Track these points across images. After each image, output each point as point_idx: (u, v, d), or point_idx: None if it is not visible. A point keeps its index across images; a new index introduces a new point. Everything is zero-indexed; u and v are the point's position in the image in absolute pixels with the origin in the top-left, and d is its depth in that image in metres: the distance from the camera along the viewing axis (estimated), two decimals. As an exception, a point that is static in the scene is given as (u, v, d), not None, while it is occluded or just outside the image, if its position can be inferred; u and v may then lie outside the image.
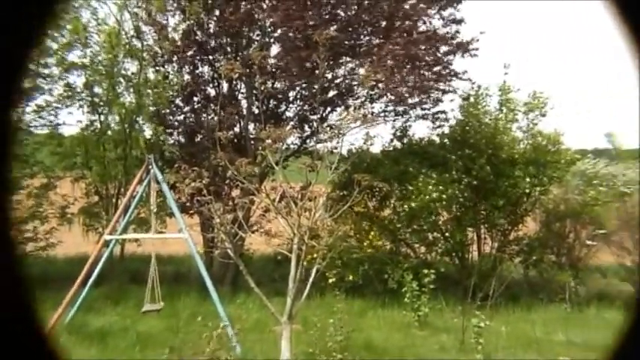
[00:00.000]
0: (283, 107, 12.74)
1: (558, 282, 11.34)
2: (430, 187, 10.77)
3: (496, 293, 8.91)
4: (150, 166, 8.32)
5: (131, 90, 11.36)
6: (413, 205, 10.90)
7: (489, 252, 12.23)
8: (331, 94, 12.20)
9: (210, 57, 12.33)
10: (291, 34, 11.16)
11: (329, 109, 12.58)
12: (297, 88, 12.30)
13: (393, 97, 11.64)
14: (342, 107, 12.15)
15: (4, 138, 1.75)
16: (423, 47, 11.03)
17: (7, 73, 1.68)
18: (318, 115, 12.08)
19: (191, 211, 11.21)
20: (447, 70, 11.95)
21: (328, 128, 10.05)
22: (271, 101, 12.42)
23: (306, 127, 12.86)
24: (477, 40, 11.81)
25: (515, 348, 8.11)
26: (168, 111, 12.20)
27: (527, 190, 11.76)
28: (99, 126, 11.66)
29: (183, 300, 9.76)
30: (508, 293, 10.07)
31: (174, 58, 12.13)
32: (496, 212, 11.77)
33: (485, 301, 8.48)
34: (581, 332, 8.81)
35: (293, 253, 6.19)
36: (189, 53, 12.03)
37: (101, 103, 11.54)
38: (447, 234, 12.15)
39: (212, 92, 12.66)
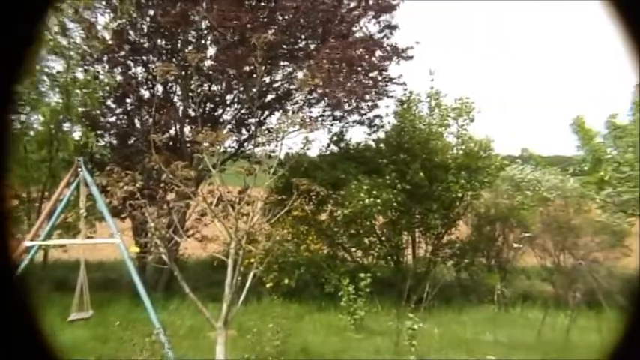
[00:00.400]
0: (220, 110, 12.56)
1: (487, 284, 11.76)
2: (366, 191, 10.92)
3: (430, 296, 9.12)
4: (79, 169, 7.97)
5: (57, 89, 10.82)
6: (349, 209, 11.02)
7: (424, 255, 12.53)
8: (269, 97, 12.15)
9: (144, 58, 11.98)
10: (228, 37, 11.04)
11: (267, 112, 12.51)
12: (235, 92, 12.16)
13: (330, 102, 11.72)
14: (281, 111, 12.10)
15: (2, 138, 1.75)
16: (360, 52, 11.18)
17: (4, 74, 1.69)
18: (256, 119, 12.00)
19: (123, 216, 10.81)
20: (383, 76, 12.15)
21: (266, 132, 10.01)
22: (208, 104, 12.20)
23: (244, 131, 12.78)
24: (412, 48, 12.10)
25: (447, 349, 8.35)
26: (99, 112, 11.72)
27: (460, 195, 12.16)
28: (19, 126, 11.03)
29: (114, 307, 9.40)
30: (441, 295, 10.35)
31: (105, 58, 11.67)
32: (430, 216, 12.05)
33: (419, 303, 8.67)
34: (508, 331, 9.21)
35: (230, 258, 6.10)
36: (122, 53, 11.62)
37: (21, 102, 10.92)
38: (383, 238, 12.37)
39: (146, 94, 12.30)
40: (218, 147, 6.77)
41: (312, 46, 11.54)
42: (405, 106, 12.51)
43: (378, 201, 10.98)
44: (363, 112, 12.62)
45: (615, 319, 8.73)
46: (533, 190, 12.71)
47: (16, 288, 1.76)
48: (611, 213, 10.98)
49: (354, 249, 12.41)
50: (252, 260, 6.77)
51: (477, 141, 12.45)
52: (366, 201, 10.83)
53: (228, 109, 12.61)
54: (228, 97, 12.39)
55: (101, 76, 11.53)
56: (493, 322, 9.98)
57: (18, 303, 1.73)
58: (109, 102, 11.96)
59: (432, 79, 12.67)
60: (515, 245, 12.72)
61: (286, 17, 11.27)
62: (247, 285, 6.31)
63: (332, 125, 12.83)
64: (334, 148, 12.73)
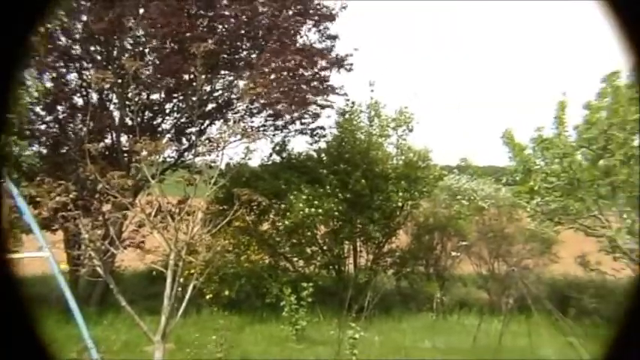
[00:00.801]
0: (159, 119, 12.28)
1: (426, 292, 12.03)
2: (307, 201, 10.96)
3: (370, 305, 9.23)
4: (1, 179, 7.57)
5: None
6: (292, 219, 11.03)
7: (365, 264, 12.65)
8: (210, 107, 11.95)
9: (77, 64, 11.53)
10: (167, 45, 10.83)
11: (207, 122, 12.31)
12: (175, 100, 11.91)
13: (272, 112, 11.70)
14: (222, 121, 11.96)
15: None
16: (301, 61, 11.23)
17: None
18: (197, 128, 11.77)
19: (54, 228, 10.33)
20: (325, 85, 12.24)
21: (207, 141, 9.83)
22: (146, 113, 11.90)
23: (184, 140, 12.49)
24: (351, 55, 12.25)
25: (387, 356, 8.46)
26: (26, 119, 11.14)
27: (400, 204, 12.36)
28: None
29: (41, 324, 8.94)
30: (382, 304, 10.48)
31: (32, 63, 11.12)
32: (371, 225, 12.16)
33: (360, 312, 8.77)
34: (445, 338, 9.49)
35: (169, 269, 5.96)
36: (50, 59, 11.10)
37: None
38: (324, 247, 12.40)
39: (80, 101, 11.81)
40: (157, 156, 6.64)
41: (253, 56, 11.47)
42: (347, 116, 12.64)
43: (320, 210, 11.04)
44: (304, 122, 12.67)
45: (543, 323, 9.17)
46: (470, 199, 13.13)
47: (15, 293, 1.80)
48: (540, 221, 11.45)
49: (295, 259, 12.38)
50: (193, 271, 6.65)
51: (416, 151, 12.69)
52: (308, 210, 10.87)
53: (167, 117, 12.33)
54: (168, 105, 12.13)
55: (28, 82, 10.99)
56: (431, 329, 10.27)
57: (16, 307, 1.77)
58: (37, 109, 11.40)
59: (372, 90, 12.82)
60: (453, 254, 13.10)
61: (226, 26, 11.17)
62: (187, 297, 6.18)
63: (274, 135, 12.81)
64: (276, 158, 12.70)
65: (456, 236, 12.94)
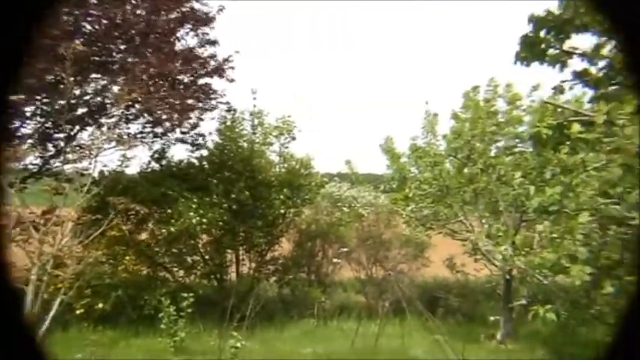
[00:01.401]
0: (18, 123, 11.26)
1: (308, 298, 12.24)
2: (190, 209, 10.76)
3: (252, 313, 9.24)
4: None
5: None
6: (173, 229, 10.76)
7: (247, 272, 12.61)
8: (80, 111, 11.24)
9: None
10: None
11: (78, 127, 11.54)
12: (38, 103, 11.02)
13: (150, 118, 11.30)
14: (95, 126, 11.30)
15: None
16: (180, 67, 10.98)
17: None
18: (65, 134, 11.04)
19: None
20: (206, 92, 12.07)
21: (78, 148, 9.28)
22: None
23: (50, 147, 11.54)
24: (232, 60, 12.18)
25: (267, 364, 8.52)
26: None
27: (283, 212, 12.49)
28: None
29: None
30: (264, 312, 10.51)
31: None
32: (254, 234, 12.18)
33: (242, 321, 8.75)
34: (325, 344, 9.69)
35: (30, 285, 5.58)
36: None
37: None
38: (206, 256, 12.18)
39: None
40: (17, 163, 6.21)
41: (128, 59, 11.00)
42: (229, 123, 12.56)
43: (204, 220, 10.88)
44: (185, 129, 12.38)
45: (415, 324, 9.74)
46: (350, 206, 13.59)
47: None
48: (414, 227, 12.16)
49: (176, 269, 12.05)
50: (60, 286, 6.28)
51: (299, 159, 12.90)
52: (193, 220, 10.68)
53: (28, 122, 11.37)
54: (29, 109, 11.17)
55: None
56: (312, 335, 10.46)
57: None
58: None
59: (255, 98, 12.75)
60: (334, 260, 13.46)
61: (96, 27, 10.60)
62: (52, 313, 5.83)
63: (153, 142, 12.34)
64: (155, 166, 12.27)
65: (337, 243, 13.29)
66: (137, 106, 10.37)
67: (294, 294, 12.88)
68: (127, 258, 10.61)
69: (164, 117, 11.08)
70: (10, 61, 1.74)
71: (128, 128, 11.65)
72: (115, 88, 10.60)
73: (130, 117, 11.48)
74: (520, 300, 9.71)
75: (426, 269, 13.14)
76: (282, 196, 12.08)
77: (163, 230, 11.06)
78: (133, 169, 11.78)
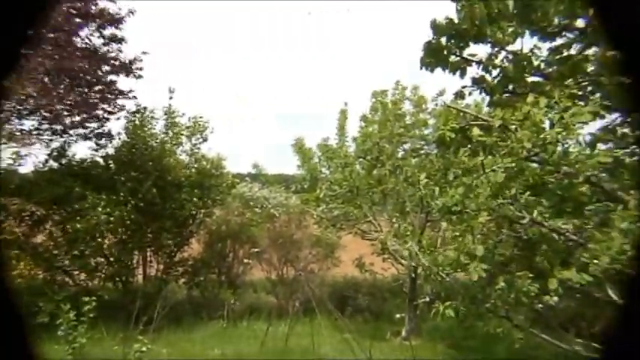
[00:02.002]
0: None
1: (219, 300, 12.07)
2: (99, 207, 10.33)
3: (160, 316, 8.96)
4: None
5: None
6: (79, 225, 10.25)
7: (155, 274, 12.24)
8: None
9: None
10: None
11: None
12: None
13: (47, 115, 10.64)
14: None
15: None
16: (82, 64, 10.48)
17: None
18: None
19: None
20: (111, 90, 11.61)
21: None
22: None
23: None
24: (141, 60, 11.82)
25: (174, 368, 8.30)
26: None
27: (193, 212, 12.25)
28: None
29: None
30: (172, 315, 10.24)
31: None
32: (163, 234, 11.87)
33: (149, 324, 8.46)
34: (235, 345, 9.61)
35: None
36: None
37: None
38: (111, 258, 11.68)
39: None
40: None
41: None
42: (137, 122, 12.13)
43: (112, 218, 10.44)
44: (88, 127, 11.81)
45: (325, 323, 9.87)
46: (262, 207, 13.54)
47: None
48: (325, 227, 12.32)
49: (77, 272, 11.43)
50: None
51: (210, 159, 12.71)
52: (101, 217, 10.23)
53: None
54: None
55: None
56: (222, 337, 10.32)
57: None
58: None
59: (171, 97, 12.50)
60: (245, 260, 13.36)
61: None
62: None
63: (51, 140, 11.64)
64: (54, 164, 11.58)
65: (248, 243, 13.21)
66: (31, 101, 9.74)
67: (203, 295, 12.67)
68: (22, 263, 9.93)
69: (64, 114, 10.51)
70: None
71: (21, 124, 10.92)
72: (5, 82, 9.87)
73: (24, 112, 10.75)
74: (424, 297, 10.11)
75: (336, 269, 13.34)
76: (192, 197, 11.85)
77: (65, 231, 10.50)
78: (27, 168, 11.08)
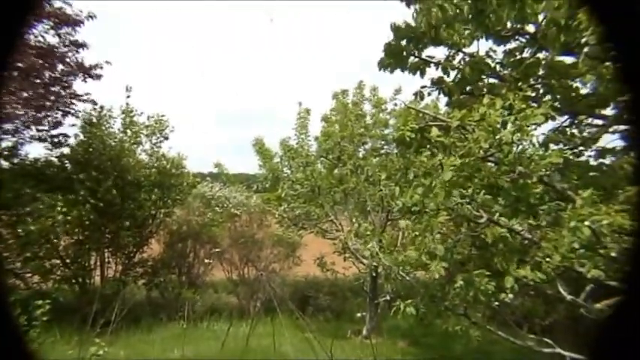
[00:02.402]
0: None
1: (179, 300, 11.91)
2: (55, 208, 10.06)
3: (118, 318, 8.78)
4: None
5: None
6: (33, 227, 9.94)
7: (114, 276, 11.98)
8: None
9: None
10: None
11: None
12: None
13: (-2, 113, 10.28)
14: None
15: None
16: (35, 60, 10.18)
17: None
18: None
19: None
20: (67, 91, 11.33)
21: None
22: None
23: None
24: (102, 67, 11.62)
25: (132, 370, 8.17)
26: None
27: (153, 212, 12.05)
28: None
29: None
30: (130, 316, 10.02)
31: None
32: (121, 234, 11.65)
33: (106, 327, 8.28)
34: (194, 346, 9.51)
35: None
36: None
37: None
38: (67, 260, 11.38)
39: None
40: None
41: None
42: (95, 121, 11.84)
43: (69, 217, 10.18)
44: (43, 127, 11.47)
45: (286, 323, 9.86)
46: (223, 206, 13.43)
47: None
48: (286, 227, 12.30)
49: (29, 275, 11.08)
50: None
51: (170, 158, 12.52)
52: (58, 217, 9.94)
53: None
54: None
55: None
56: (181, 338, 10.16)
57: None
58: None
59: (129, 96, 12.25)
60: (206, 261, 13.24)
61: None
62: None
63: (1, 139, 11.24)
64: (4, 164, 11.20)
65: (209, 243, 13.11)
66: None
67: (163, 296, 12.50)
68: (-32, 267, 9.54)
69: (17, 113, 10.18)
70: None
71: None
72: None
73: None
74: (385, 296, 10.21)
75: (297, 268, 13.36)
76: (152, 196, 11.67)
77: (17, 232, 10.16)
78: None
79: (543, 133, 5.69)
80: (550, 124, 5.85)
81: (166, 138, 12.61)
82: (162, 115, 12.54)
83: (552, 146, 5.70)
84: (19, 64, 9.74)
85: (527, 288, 5.41)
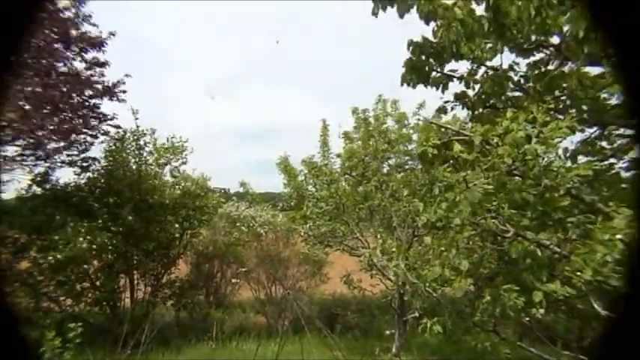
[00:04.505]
0: None
1: (206, 321, 11.96)
2: (80, 235, 10.17)
3: (147, 339, 8.83)
4: None
5: None
6: (60, 256, 10.08)
7: (142, 297, 12.11)
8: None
9: None
10: None
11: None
12: None
13: (31, 140, 10.51)
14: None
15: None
16: (65, 89, 10.42)
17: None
18: None
19: None
20: (94, 114, 11.56)
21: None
22: None
23: None
24: (124, 83, 11.79)
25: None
26: None
27: (179, 234, 12.17)
28: None
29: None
30: (160, 337, 10.11)
31: None
32: (148, 257, 11.78)
33: (136, 348, 8.34)
34: (223, 366, 9.49)
35: None
36: None
37: None
38: (97, 283, 11.55)
39: None
40: None
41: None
42: (118, 145, 12.06)
43: (94, 245, 10.30)
44: (72, 152, 11.70)
45: (314, 341, 9.79)
46: (248, 226, 13.49)
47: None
48: (312, 245, 12.30)
49: (62, 298, 11.27)
50: None
51: (194, 179, 12.65)
52: (83, 245, 10.06)
53: None
54: None
55: None
56: (211, 358, 10.21)
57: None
58: None
59: (137, 118, 12.38)
60: (233, 280, 13.28)
61: None
62: None
63: (34, 165, 11.48)
64: (37, 190, 11.45)
65: (236, 263, 13.17)
66: (14, 126, 9.63)
67: (191, 317, 12.56)
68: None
69: (47, 139, 10.42)
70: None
71: (5, 150, 10.78)
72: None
73: (7, 139, 10.62)
74: (413, 313, 10.09)
75: (324, 286, 13.30)
76: (177, 218, 11.77)
77: (49, 257, 10.34)
78: (11, 194, 10.94)
79: (571, 145, 5.60)
80: (578, 136, 5.76)
81: (185, 162, 12.74)
82: (181, 136, 12.71)
83: (581, 158, 5.60)
84: (49, 93, 9.99)
85: (558, 303, 5.29)
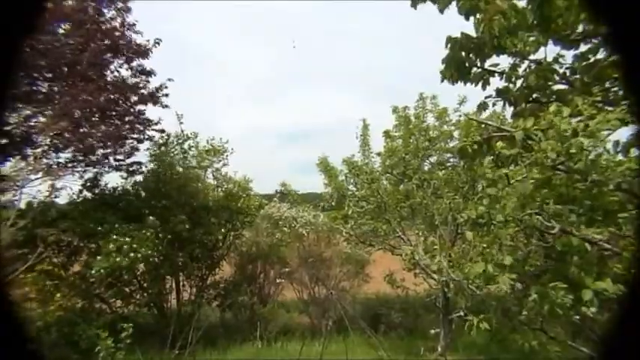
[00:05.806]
0: None
1: (251, 321, 12.10)
2: (126, 244, 10.39)
3: (194, 339, 9.02)
4: None
5: None
6: (106, 264, 10.35)
7: (188, 298, 12.35)
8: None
9: None
10: None
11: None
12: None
13: (80, 147, 10.87)
14: (19, 157, 10.75)
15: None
16: (113, 97, 10.74)
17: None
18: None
19: None
20: (140, 120, 11.86)
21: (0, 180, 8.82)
22: None
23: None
24: (166, 87, 12.06)
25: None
26: None
27: (222, 236, 12.35)
28: None
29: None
30: (206, 337, 10.32)
31: None
32: (194, 259, 11.99)
33: (184, 348, 8.53)
34: (270, 366, 9.59)
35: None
36: None
37: None
38: (145, 285, 11.84)
39: None
40: None
41: (55, 89, 10.56)
42: (163, 149, 12.35)
43: (139, 256, 10.51)
44: (119, 157, 12.06)
45: (358, 341, 9.79)
46: (290, 226, 13.58)
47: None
48: (354, 244, 12.28)
49: (113, 299, 11.62)
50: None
51: (236, 181, 12.82)
52: (131, 254, 10.28)
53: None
54: None
55: None
56: (256, 358, 10.34)
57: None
58: None
59: (182, 122, 12.66)
60: (277, 281, 13.39)
61: None
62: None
63: (85, 171, 11.85)
64: (87, 195, 11.84)
65: (279, 263, 13.26)
66: (66, 134, 10.00)
67: (236, 317, 12.73)
68: (58, 295, 10.05)
69: (97, 146, 10.77)
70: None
71: (58, 157, 11.20)
72: (42, 118, 10.15)
73: (59, 146, 11.03)
74: (458, 312, 9.93)
75: (367, 286, 13.26)
76: (221, 221, 11.95)
77: (101, 262, 10.65)
78: (63, 199, 11.34)
79: (623, 139, 5.39)
80: (632, 128, 5.54)
81: (226, 165, 12.94)
82: (221, 138, 12.93)
83: (635, 151, 5.39)
84: (99, 101, 10.31)
85: (610, 302, 5.12)
